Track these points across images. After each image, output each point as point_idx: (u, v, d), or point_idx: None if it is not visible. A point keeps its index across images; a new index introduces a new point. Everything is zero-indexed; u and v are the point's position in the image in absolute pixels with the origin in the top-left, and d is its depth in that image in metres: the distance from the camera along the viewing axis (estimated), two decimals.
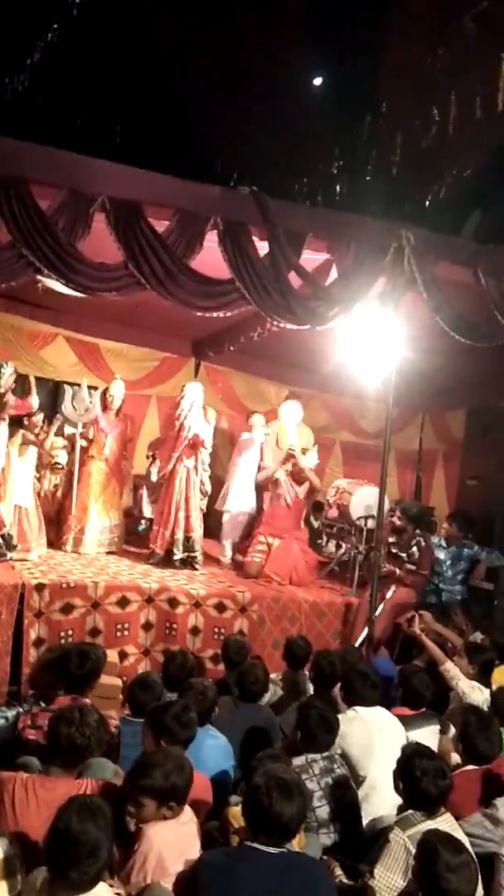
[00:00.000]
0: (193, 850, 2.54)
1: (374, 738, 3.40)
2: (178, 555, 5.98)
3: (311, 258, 5.07)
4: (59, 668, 3.50)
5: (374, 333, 5.16)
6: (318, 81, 11.31)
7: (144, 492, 7.50)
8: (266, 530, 6.34)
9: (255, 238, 4.79)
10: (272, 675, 4.39)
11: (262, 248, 4.82)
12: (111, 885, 2.25)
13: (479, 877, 2.41)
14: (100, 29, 8.93)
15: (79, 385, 6.53)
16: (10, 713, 3.60)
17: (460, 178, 9.62)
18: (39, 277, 4.76)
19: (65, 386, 7.66)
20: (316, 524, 8.73)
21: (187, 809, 2.64)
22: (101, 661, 3.81)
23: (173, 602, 5.26)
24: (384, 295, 5.08)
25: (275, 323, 5.23)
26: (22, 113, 9.29)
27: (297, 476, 6.33)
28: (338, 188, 10.32)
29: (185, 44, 9.31)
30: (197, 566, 6.03)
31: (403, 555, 5.81)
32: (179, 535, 6.02)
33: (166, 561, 5.99)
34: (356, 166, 10.10)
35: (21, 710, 3.58)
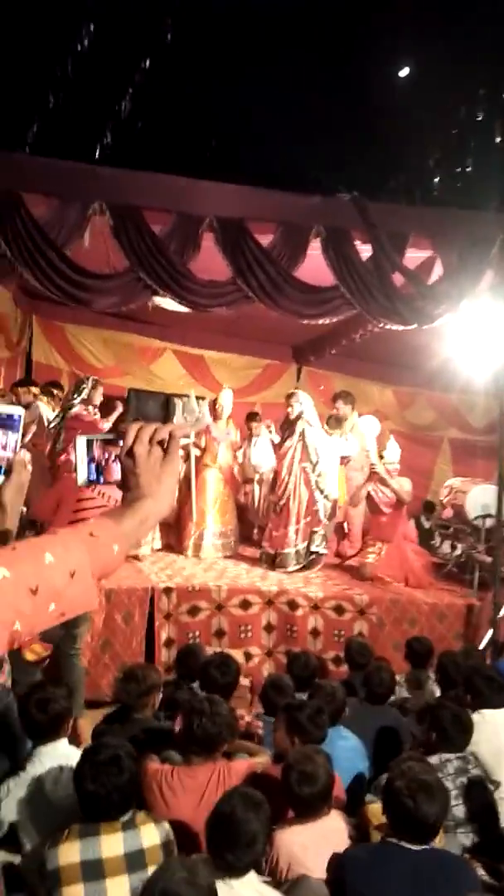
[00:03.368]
0: (342, 847, 2.61)
1: None
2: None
3: (413, 257, 5.05)
4: (202, 677, 3.69)
5: (483, 326, 5.06)
6: (404, 73, 11.13)
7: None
8: (374, 535, 6.38)
9: (357, 242, 4.84)
10: (397, 677, 4.40)
11: (365, 251, 4.87)
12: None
13: None
14: (184, 45, 9.21)
15: (187, 396, 6.81)
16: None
17: None
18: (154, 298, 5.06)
19: (174, 399, 7.99)
20: (427, 525, 8.59)
21: (334, 812, 2.73)
22: (238, 671, 3.93)
23: (292, 604, 5.39)
24: (495, 287, 4.98)
25: (379, 324, 5.26)
26: (115, 140, 9.78)
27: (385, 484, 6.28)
28: (436, 182, 10.14)
29: (268, 56, 9.47)
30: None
31: None
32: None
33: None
34: (453, 158, 9.88)
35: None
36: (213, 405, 6.75)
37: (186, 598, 5.14)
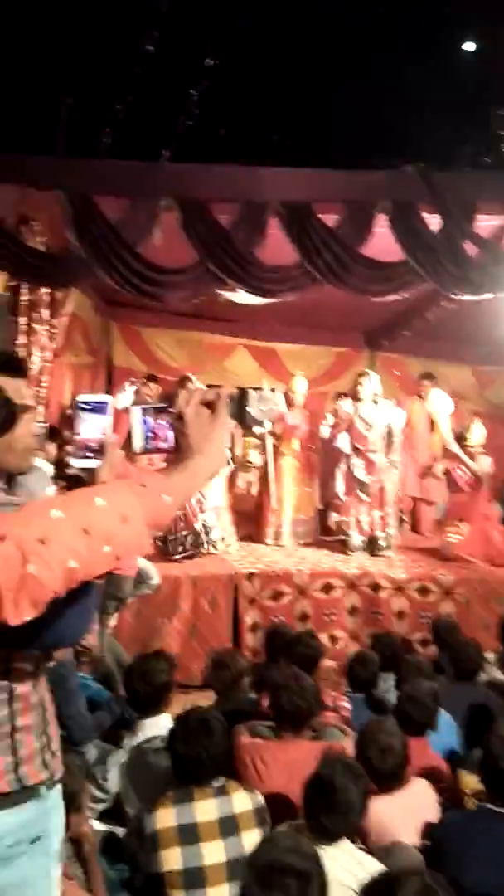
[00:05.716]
0: (430, 815, 2.58)
1: None
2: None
3: (486, 224, 4.90)
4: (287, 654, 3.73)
5: None
6: (471, 47, 10.77)
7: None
8: (453, 515, 6.28)
9: (424, 214, 4.75)
10: (487, 655, 4.28)
11: (433, 221, 4.76)
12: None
13: None
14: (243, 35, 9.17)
15: (261, 388, 6.91)
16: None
17: None
18: (219, 291, 5.13)
19: (249, 391, 8.07)
20: None
21: (419, 780, 2.70)
22: (318, 649, 3.92)
23: (375, 587, 5.34)
24: None
25: (452, 296, 5.13)
26: (176, 135, 9.91)
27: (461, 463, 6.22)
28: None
29: (329, 39, 9.34)
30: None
31: None
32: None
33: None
34: None
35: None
36: (288, 393, 6.78)
37: (269, 583, 5.19)
